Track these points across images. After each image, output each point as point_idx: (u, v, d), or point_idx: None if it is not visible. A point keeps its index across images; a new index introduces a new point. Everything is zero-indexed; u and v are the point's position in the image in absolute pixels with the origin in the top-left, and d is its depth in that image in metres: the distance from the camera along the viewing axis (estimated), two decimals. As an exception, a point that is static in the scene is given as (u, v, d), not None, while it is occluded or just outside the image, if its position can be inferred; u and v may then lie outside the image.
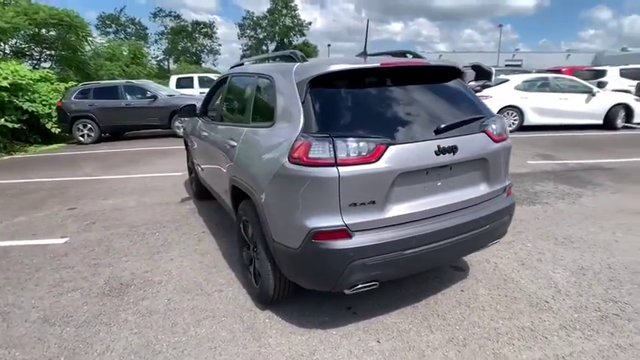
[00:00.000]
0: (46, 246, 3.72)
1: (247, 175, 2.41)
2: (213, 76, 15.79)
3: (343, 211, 1.96)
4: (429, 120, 2.22)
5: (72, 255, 3.51)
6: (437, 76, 2.46)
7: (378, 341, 2.26)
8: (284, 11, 60.70)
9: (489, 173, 2.38)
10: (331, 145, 1.92)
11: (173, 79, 15.59)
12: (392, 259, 2.03)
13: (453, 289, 2.77)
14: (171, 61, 55.34)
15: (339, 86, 2.17)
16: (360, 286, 2.07)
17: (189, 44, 57.15)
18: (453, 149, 2.13)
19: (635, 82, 11.99)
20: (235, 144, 2.69)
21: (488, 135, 2.33)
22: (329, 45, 75.34)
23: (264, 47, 62.24)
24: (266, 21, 60.95)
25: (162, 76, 24.57)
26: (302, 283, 2.27)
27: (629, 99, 9.67)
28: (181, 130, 5.21)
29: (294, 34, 62.39)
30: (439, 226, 2.14)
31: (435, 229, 2.12)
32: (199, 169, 4.26)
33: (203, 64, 54.89)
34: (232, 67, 3.80)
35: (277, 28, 61.17)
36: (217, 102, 3.79)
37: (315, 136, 1.96)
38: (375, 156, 1.94)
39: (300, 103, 2.11)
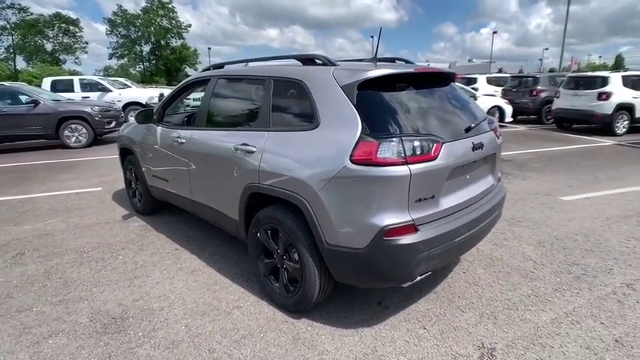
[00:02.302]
0: (-30, 289, 2.90)
1: (287, 179, 2.29)
2: (102, 80, 13.97)
3: (410, 207, 2.05)
4: (458, 119, 2.46)
5: (19, 295, 2.82)
6: (445, 80, 2.72)
7: (424, 328, 2.40)
8: (160, 11, 56.65)
9: (494, 166, 2.74)
10: (401, 145, 1.99)
11: (46, 81, 13.26)
12: (447, 247, 2.20)
13: (455, 272, 3.07)
14: (20, 60, 46.81)
15: (384, 89, 2.25)
16: (418, 277, 2.18)
17: (44, 41, 49.02)
18: (481, 145, 2.41)
19: (499, 89, 14.53)
20: (254, 149, 2.53)
21: (495, 132, 2.69)
22: (209, 48, 72.94)
23: (137, 47, 57.12)
24: (139, 20, 55.97)
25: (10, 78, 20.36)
26: (363, 282, 2.28)
27: (501, 102, 11.72)
28: (122, 138, 4.55)
29: (172, 37, 58.75)
30: (474, 215, 2.39)
31: (472, 217, 2.36)
32: (159, 180, 3.81)
33: (63, 65, 47.74)
34: (207, 70, 3.51)
35: (153, 28, 56.75)
36: (188, 106, 3.47)
37: (384, 136, 2.01)
38: (435, 153, 2.08)
39: (353, 106, 2.13)
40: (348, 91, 2.17)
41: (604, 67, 64.36)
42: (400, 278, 2.15)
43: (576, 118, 10.78)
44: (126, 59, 57.90)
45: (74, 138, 9.29)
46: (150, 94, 13.96)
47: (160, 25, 56.96)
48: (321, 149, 2.18)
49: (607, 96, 9.83)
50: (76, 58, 52.27)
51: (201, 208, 3.29)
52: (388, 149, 1.99)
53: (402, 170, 1.98)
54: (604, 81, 10.10)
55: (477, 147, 2.37)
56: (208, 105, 3.14)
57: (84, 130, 9.31)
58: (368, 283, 2.33)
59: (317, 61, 2.53)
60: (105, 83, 13.65)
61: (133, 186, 4.51)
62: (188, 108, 7.22)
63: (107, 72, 55.08)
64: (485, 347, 2.21)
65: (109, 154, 8.40)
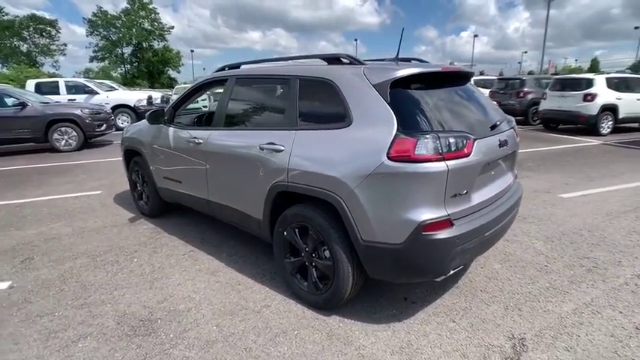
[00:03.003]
0: (-17, 295, 2.82)
1: (319, 177, 2.31)
2: (89, 82, 13.68)
3: (447, 202, 2.10)
4: (482, 117, 2.53)
5: (37, 300, 2.75)
6: (465, 79, 2.79)
7: (454, 321, 2.45)
8: (141, 12, 55.79)
9: (514, 164, 2.83)
10: (438, 142, 2.04)
11: (30, 83, 12.91)
12: (478, 242, 2.26)
13: (474, 267, 3.14)
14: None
15: (413, 88, 2.30)
16: (452, 271, 2.24)
17: (21, 43, 47.63)
18: (506, 143, 2.48)
19: (486, 91, 14.77)
20: (282, 148, 2.54)
21: (514, 131, 2.77)
22: (192, 51, 72.30)
23: (118, 50, 56.13)
24: (120, 21, 55.00)
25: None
26: (399, 277, 2.32)
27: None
28: (127, 140, 4.49)
29: (154, 39, 57.95)
30: (500, 210, 2.46)
31: (498, 213, 2.43)
32: (170, 182, 3.77)
33: (40, 68, 46.39)
34: (220, 70, 3.50)
35: (134, 30, 55.84)
36: (203, 107, 3.44)
37: (420, 133, 2.06)
38: (469, 150, 2.13)
39: (387, 104, 2.17)
40: (381, 90, 2.22)
41: (580, 70, 66.71)
42: (436, 272, 2.20)
43: (563, 119, 11.13)
44: (107, 62, 56.84)
45: (64, 141, 9.06)
46: (138, 97, 13.76)
47: (141, 27, 56.13)
48: (356, 147, 2.21)
49: (592, 97, 10.18)
50: (55, 61, 51.03)
51: (219, 209, 3.27)
52: (425, 146, 2.04)
53: (440, 166, 2.03)
54: (589, 83, 10.46)
55: (502, 144, 2.44)
56: (227, 105, 3.13)
57: (74, 133, 9.10)
58: (403, 277, 2.37)
59: (343, 60, 2.56)
60: (92, 85, 13.38)
61: (139, 188, 4.45)
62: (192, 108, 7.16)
63: (87, 74, 53.85)
64: (516, 338, 2.27)
65: (102, 157, 8.25)
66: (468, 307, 2.60)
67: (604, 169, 6.50)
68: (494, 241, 2.61)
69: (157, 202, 4.21)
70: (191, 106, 5.57)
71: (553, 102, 11.10)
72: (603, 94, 10.20)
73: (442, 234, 2.09)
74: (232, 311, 2.58)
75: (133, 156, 4.41)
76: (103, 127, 9.57)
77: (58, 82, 13.28)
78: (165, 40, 58.73)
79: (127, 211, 4.68)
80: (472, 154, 2.16)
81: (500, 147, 2.42)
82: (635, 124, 11.65)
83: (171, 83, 51.67)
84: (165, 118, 3.72)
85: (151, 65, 57.71)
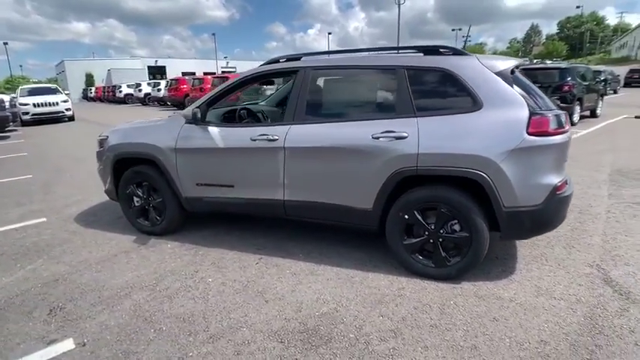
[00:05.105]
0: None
1: (461, 158, 2.49)
2: None
3: (563, 167, 2.61)
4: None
5: (150, 351, 2.22)
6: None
7: (545, 264, 3.00)
8: None
9: None
10: (558, 118, 2.51)
11: None
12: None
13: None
14: None
15: (516, 75, 2.72)
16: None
17: None
18: None
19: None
20: (405, 134, 2.64)
21: None
22: (6, 43, 58.63)
23: None
24: None
25: None
26: (532, 233, 2.73)
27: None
28: (123, 147, 3.75)
29: None
30: None
31: None
32: (213, 188, 3.35)
33: None
34: (273, 62, 3.25)
35: None
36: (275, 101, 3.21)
37: (546, 111, 2.50)
38: (567, 125, 2.66)
39: (512, 89, 2.53)
40: (504, 77, 2.57)
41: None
42: (559, 223, 2.70)
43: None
44: None
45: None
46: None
47: None
48: (495, 127, 2.51)
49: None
50: None
51: (302, 209, 3.11)
52: (554, 121, 2.49)
53: (565, 137, 2.53)
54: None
55: None
56: (306, 97, 2.99)
57: None
58: (535, 233, 2.77)
59: (443, 51, 2.80)
60: None
61: (139, 204, 3.76)
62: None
63: None
64: (592, 265, 2.95)
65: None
66: (542, 253, 3.19)
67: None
68: None
69: (177, 216, 3.65)
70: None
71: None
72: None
73: (566, 192, 2.59)
74: (379, 301, 2.59)
75: (129, 166, 3.68)
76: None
77: None
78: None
79: (117, 234, 3.89)
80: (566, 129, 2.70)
81: None
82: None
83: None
84: (199, 117, 3.27)
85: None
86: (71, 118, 16.99)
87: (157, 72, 58.01)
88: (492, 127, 2.52)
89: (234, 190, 3.30)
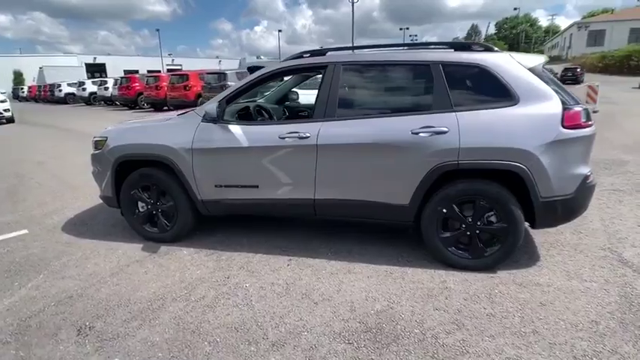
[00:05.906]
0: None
1: (500, 151, 2.58)
2: None
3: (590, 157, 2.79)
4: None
5: (207, 361, 2.07)
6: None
7: (562, 251, 3.19)
8: None
9: None
10: (587, 111, 2.68)
11: None
12: None
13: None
14: None
15: (544, 71, 2.85)
16: None
17: None
18: None
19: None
20: (445, 129, 2.67)
21: None
22: None
23: None
24: None
25: None
26: (562, 221, 2.86)
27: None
28: (125, 147, 3.46)
29: None
30: None
31: None
32: (236, 190, 3.18)
33: None
34: (297, 58, 3.13)
35: None
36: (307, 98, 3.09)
37: (575, 105, 2.65)
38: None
39: (545, 84, 2.66)
40: (537, 73, 2.69)
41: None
42: (584, 210, 2.88)
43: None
44: None
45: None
46: None
47: None
48: (533, 121, 2.61)
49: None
50: None
51: (334, 207, 3.04)
52: (584, 115, 2.65)
53: (593, 130, 2.70)
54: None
55: None
56: (337, 93, 2.93)
57: None
58: (564, 221, 2.90)
59: (475, 47, 2.87)
60: None
61: (146, 209, 3.50)
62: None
63: None
64: (604, 248, 3.19)
65: None
66: (556, 239, 3.39)
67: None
68: None
69: (190, 221, 3.44)
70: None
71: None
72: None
73: (593, 181, 2.77)
74: (427, 295, 2.62)
75: (135, 168, 3.41)
76: None
77: None
78: None
79: (121, 242, 3.60)
80: None
81: None
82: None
83: None
84: (217, 115, 3.09)
85: None
86: (10, 120, 15.46)
87: (95, 70, 54.35)
88: (530, 121, 2.63)
89: (258, 191, 3.16)
